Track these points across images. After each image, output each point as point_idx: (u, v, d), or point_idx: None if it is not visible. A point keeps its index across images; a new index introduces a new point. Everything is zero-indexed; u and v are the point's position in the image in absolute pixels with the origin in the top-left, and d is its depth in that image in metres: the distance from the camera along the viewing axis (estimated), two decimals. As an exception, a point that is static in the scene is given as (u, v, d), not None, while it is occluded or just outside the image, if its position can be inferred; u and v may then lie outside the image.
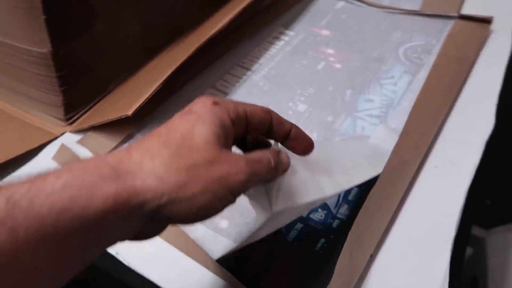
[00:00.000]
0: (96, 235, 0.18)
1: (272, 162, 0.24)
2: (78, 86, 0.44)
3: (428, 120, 0.40)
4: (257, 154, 0.24)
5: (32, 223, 0.16)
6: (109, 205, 0.18)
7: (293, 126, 0.26)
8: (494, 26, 0.53)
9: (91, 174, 0.18)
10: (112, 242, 0.20)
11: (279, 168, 0.25)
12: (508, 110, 0.47)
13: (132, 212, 0.19)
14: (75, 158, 0.39)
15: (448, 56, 0.48)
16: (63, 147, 0.40)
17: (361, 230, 0.31)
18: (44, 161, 0.41)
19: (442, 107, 0.42)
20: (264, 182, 0.25)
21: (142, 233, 0.21)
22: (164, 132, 0.22)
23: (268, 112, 0.25)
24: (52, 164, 0.39)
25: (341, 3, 0.60)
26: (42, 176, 0.18)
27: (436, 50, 0.50)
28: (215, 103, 0.23)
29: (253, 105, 0.25)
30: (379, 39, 0.53)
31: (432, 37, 0.53)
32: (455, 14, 0.55)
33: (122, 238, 0.20)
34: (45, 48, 0.40)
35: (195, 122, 0.22)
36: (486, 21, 0.53)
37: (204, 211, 0.21)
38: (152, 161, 0.20)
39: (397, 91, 0.46)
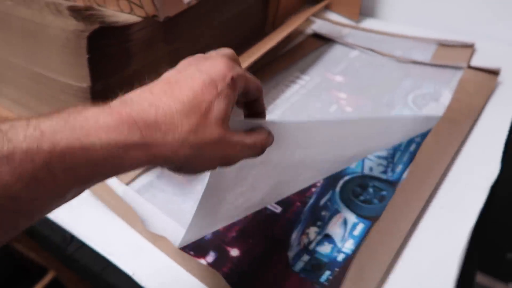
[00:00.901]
0: (114, 176, 0.22)
1: (261, 148, 0.28)
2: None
3: (435, 162, 0.43)
4: (252, 139, 0.27)
5: (70, 167, 0.19)
6: (132, 164, 0.22)
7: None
8: (501, 77, 0.56)
9: (125, 139, 0.21)
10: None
11: (267, 147, 0.29)
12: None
13: (142, 166, 0.23)
14: (102, 182, 0.42)
15: (460, 101, 0.50)
16: None
17: (364, 263, 0.33)
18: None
19: (450, 150, 0.44)
20: (251, 157, 0.29)
21: None
22: (187, 98, 0.24)
23: (261, 91, 0.29)
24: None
25: (355, 53, 0.64)
26: (85, 131, 0.20)
27: (443, 98, 0.53)
28: (233, 80, 0.25)
29: (254, 80, 0.28)
30: (390, 86, 0.57)
31: (441, 86, 0.56)
32: (464, 65, 0.58)
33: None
34: (85, 83, 0.44)
35: (215, 98, 0.24)
36: (494, 72, 0.56)
37: (193, 173, 0.26)
38: (173, 135, 0.23)
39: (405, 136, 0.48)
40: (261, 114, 0.31)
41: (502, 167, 0.43)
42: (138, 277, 0.36)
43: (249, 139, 0.27)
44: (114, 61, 0.46)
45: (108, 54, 0.44)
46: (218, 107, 0.24)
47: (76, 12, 0.41)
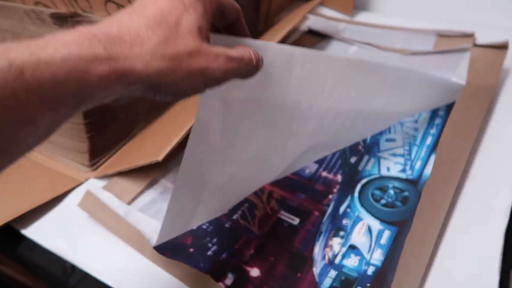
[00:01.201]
0: (87, 101, 0.20)
1: (254, 60, 0.25)
2: (104, 133, 0.45)
3: (455, 159, 0.40)
4: (239, 51, 0.25)
5: (33, 87, 0.18)
6: (101, 82, 0.20)
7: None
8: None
9: (87, 51, 0.20)
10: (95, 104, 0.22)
11: (259, 66, 0.26)
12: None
13: (120, 89, 0.21)
14: (101, 204, 0.39)
15: (472, 85, 0.48)
16: (88, 193, 0.40)
17: (400, 279, 0.30)
18: (69, 208, 0.40)
19: (468, 144, 0.42)
20: (242, 78, 0.26)
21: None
22: (152, 14, 0.22)
23: (239, 10, 0.27)
24: (78, 211, 0.39)
25: (354, 48, 0.62)
26: (41, 46, 0.19)
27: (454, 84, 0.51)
28: None
29: None
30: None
31: (448, 73, 0.54)
32: (470, 45, 0.56)
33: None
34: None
35: (183, 12, 0.23)
36: (502, 47, 0.54)
37: (177, 95, 0.24)
38: (141, 47, 0.21)
39: (418, 128, 0.46)
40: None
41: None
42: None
43: (235, 51, 0.24)
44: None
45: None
46: (188, 19, 0.23)
47: (61, 19, 0.38)
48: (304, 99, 0.35)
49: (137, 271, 0.35)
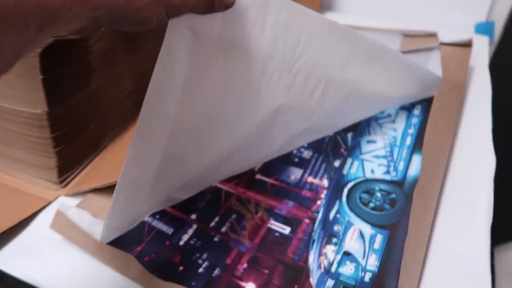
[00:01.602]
0: (52, 24, 0.20)
1: None
2: (73, 146, 0.41)
3: (437, 158, 0.41)
4: None
5: None
6: (65, 1, 0.20)
7: None
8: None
9: None
10: (61, 32, 0.23)
11: (216, 5, 0.27)
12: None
13: (84, 12, 0.21)
14: (75, 225, 0.36)
15: (446, 81, 0.49)
16: (59, 213, 0.37)
17: (402, 286, 0.30)
18: (40, 231, 0.37)
19: (447, 142, 0.43)
20: (200, 13, 0.27)
21: (82, 30, 0.25)
22: None
23: None
24: (50, 233, 0.36)
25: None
26: None
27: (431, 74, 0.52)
28: None
29: None
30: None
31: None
32: (437, 44, 0.57)
33: (69, 31, 0.24)
34: (40, 108, 0.37)
35: None
36: (467, 45, 0.56)
37: (142, 23, 0.25)
38: None
39: (397, 129, 0.47)
40: None
41: (496, 156, 0.42)
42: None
43: None
44: (73, 80, 0.39)
45: (66, 72, 0.37)
46: None
47: None
48: (277, 51, 0.33)
49: (125, 296, 0.32)
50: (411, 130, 0.46)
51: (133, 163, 0.30)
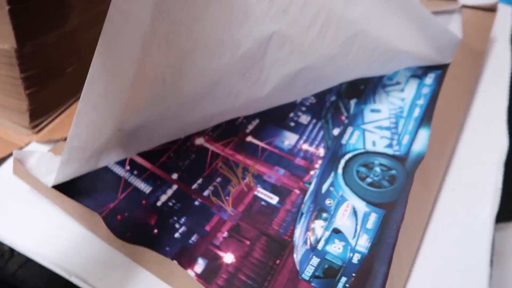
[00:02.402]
0: None
1: None
2: (47, 89, 0.38)
3: (446, 136, 0.37)
4: None
5: None
6: None
7: None
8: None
9: None
10: None
11: None
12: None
13: None
14: (42, 172, 0.33)
15: (466, 49, 0.44)
16: (15, 159, 0.33)
17: (392, 273, 0.27)
18: (6, 179, 0.34)
19: (458, 119, 0.39)
20: None
21: None
22: None
23: None
24: (16, 182, 0.33)
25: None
26: None
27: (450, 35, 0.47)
28: None
29: None
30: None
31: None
32: (457, 7, 0.52)
33: None
34: (8, 44, 0.33)
35: None
36: (491, 9, 0.51)
37: None
38: None
39: (405, 98, 0.43)
40: None
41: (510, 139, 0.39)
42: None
43: None
44: (47, 16, 0.34)
45: (38, 5, 0.33)
46: None
47: None
48: None
49: (91, 255, 0.30)
50: (421, 101, 0.42)
51: (98, 80, 0.25)
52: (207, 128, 0.39)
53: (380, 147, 0.38)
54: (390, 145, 0.38)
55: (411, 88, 0.44)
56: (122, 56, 0.26)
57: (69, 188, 0.32)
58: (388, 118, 0.41)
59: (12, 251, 0.30)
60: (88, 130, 0.28)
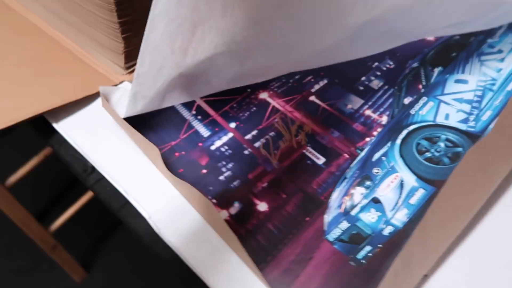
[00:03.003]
0: None
1: None
2: (141, 35, 0.42)
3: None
4: None
5: None
6: None
7: None
8: None
9: None
10: None
11: None
12: None
13: None
14: (114, 107, 0.37)
15: None
16: (102, 95, 0.38)
17: (415, 248, 0.26)
18: (99, 108, 0.40)
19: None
20: None
21: None
22: None
23: None
24: (105, 113, 0.39)
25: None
26: None
27: None
28: None
29: None
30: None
31: None
32: None
33: None
34: (109, -7, 0.38)
35: None
36: None
37: None
38: None
39: (503, 70, 0.37)
40: None
41: None
42: (153, 221, 0.32)
43: None
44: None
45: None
46: None
47: None
48: None
49: (149, 183, 0.34)
50: (521, 76, 0.36)
51: (157, 23, 0.28)
52: (273, 83, 0.40)
53: (453, 121, 0.34)
54: (465, 120, 0.34)
55: (515, 58, 0.38)
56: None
57: (142, 122, 0.37)
58: (473, 90, 0.36)
59: (93, 168, 0.37)
60: (150, 70, 0.31)
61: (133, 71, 0.44)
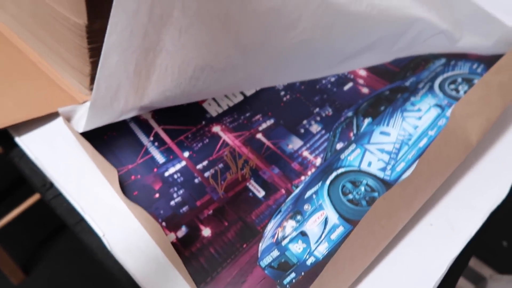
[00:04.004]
0: None
1: None
2: (107, 60, 0.45)
3: (438, 170, 0.39)
4: None
5: None
6: None
7: None
8: None
9: None
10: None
11: None
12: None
13: None
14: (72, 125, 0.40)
15: (489, 85, 0.43)
16: (62, 114, 0.41)
17: (326, 279, 0.31)
18: (61, 126, 0.43)
19: (459, 157, 0.40)
20: None
21: None
22: None
23: None
24: (67, 131, 0.42)
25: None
26: None
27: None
28: None
29: None
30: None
31: (478, 65, 0.50)
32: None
33: None
34: (82, 19, 0.41)
35: None
36: None
37: None
38: None
39: (418, 127, 0.44)
40: None
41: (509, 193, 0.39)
42: (106, 239, 0.35)
43: None
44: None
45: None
46: None
47: None
48: None
49: (104, 202, 0.38)
50: (432, 132, 0.43)
51: (112, 53, 0.33)
52: (226, 118, 0.44)
53: (374, 169, 0.41)
54: (383, 169, 0.40)
55: (429, 117, 0.45)
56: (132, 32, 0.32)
57: (103, 144, 0.40)
58: (393, 142, 0.43)
59: (52, 184, 0.39)
60: (106, 93, 0.35)
61: (96, 92, 0.47)
